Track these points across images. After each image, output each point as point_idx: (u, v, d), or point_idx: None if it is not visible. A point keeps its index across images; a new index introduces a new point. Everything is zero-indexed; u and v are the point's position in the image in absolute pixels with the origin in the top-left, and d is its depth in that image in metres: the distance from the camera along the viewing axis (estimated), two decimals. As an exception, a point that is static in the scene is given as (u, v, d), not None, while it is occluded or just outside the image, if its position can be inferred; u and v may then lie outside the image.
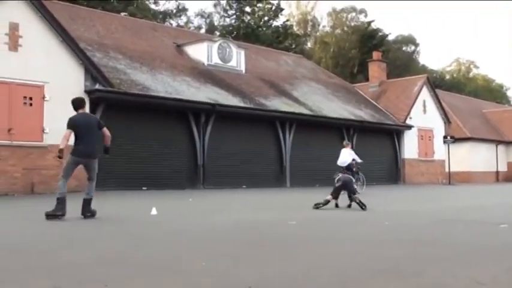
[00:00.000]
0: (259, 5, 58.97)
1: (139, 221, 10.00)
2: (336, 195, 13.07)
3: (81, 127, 10.26)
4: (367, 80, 43.43)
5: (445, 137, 37.28)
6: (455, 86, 75.57)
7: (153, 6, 53.66)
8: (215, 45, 29.24)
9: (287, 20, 63.21)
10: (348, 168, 19.84)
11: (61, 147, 9.86)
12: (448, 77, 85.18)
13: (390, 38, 71.87)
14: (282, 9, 60.97)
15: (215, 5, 60.68)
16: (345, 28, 67.97)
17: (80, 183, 19.56)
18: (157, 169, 22.49)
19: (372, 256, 6.28)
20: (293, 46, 58.71)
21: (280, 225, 9.36)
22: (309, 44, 69.50)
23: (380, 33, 68.20)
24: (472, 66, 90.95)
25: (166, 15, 56.07)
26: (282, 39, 57.22)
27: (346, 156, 20.95)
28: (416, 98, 36.53)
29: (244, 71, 30.20)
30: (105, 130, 10.39)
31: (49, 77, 19.06)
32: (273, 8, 59.46)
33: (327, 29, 69.93)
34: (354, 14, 69.03)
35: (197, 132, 23.76)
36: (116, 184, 20.74)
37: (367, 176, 29.94)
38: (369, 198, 15.80)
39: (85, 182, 10.33)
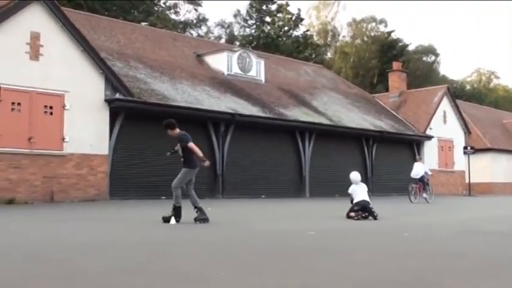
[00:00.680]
0: (279, 15, 59.12)
1: (158, 230, 10.00)
2: (350, 212, 13.05)
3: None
4: (387, 90, 43.30)
5: (465, 148, 37.04)
6: (476, 97, 75.02)
7: (173, 16, 53.98)
8: (235, 55, 29.31)
9: (307, 30, 63.24)
10: (420, 180, 23.75)
11: (201, 154, 11.40)
12: (468, 87, 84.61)
13: (410, 48, 71.63)
14: (302, 19, 61.07)
15: (235, 15, 60.96)
16: (365, 38, 67.84)
17: (99, 192, 19.70)
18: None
19: (392, 267, 6.22)
20: (313, 56, 58.70)
21: (299, 236, 9.32)
22: (328, 54, 69.45)
23: (400, 43, 67.97)
24: (492, 76, 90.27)
25: (186, 25, 56.37)
26: (302, 49, 57.26)
27: (419, 169, 24.07)
28: (437, 108, 36.35)
29: (264, 81, 30.23)
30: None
31: (69, 86, 19.22)
32: (293, 18, 59.56)
33: (347, 39, 69.88)
34: (374, 24, 68.92)
35: (216, 141, 23.80)
36: (135, 193, 20.81)
37: (386, 187, 29.75)
38: (388, 209, 15.69)
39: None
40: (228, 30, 61.34)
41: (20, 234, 9.19)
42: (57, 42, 19.14)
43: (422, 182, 23.94)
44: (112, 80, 20.25)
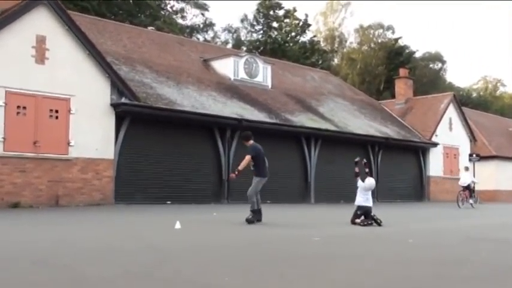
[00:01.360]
0: (287, 20, 59.16)
1: (163, 235, 10.02)
2: (354, 219, 13.10)
3: (262, 154, 13.03)
4: (393, 97, 43.28)
5: (470, 155, 36.98)
6: (482, 104, 74.84)
7: (180, 20, 54.08)
8: (242, 60, 29.35)
9: (314, 36, 63.27)
10: (467, 188, 26.72)
11: (240, 168, 12.58)
12: (474, 94, 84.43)
13: (417, 55, 71.54)
14: (309, 25, 61.11)
15: (242, 20, 61.01)
16: (372, 45, 67.81)
17: (105, 196, 19.74)
18: (181, 183, 22.54)
19: (396, 275, 6.22)
20: (320, 62, 58.72)
21: (304, 242, 9.32)
22: (335, 60, 69.45)
23: (407, 50, 67.92)
24: (499, 84, 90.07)
25: (193, 29, 56.46)
26: (309, 55, 57.28)
27: (467, 178, 26.96)
28: (443, 115, 36.33)
29: (270, 86, 30.25)
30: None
31: (75, 90, 19.24)
32: (300, 23, 59.61)
33: (354, 45, 69.85)
34: (381, 30, 68.86)
35: (222, 146, 23.81)
36: (141, 198, 20.85)
37: (391, 193, 29.72)
38: (393, 216, 15.68)
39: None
40: (234, 35, 61.42)
41: (26, 239, 9.22)
42: (63, 46, 19.16)
43: (469, 190, 26.93)
44: (118, 84, 20.29)
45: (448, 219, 16.79)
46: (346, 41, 70.78)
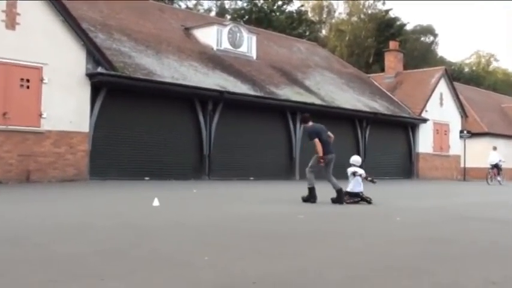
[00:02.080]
0: (273, -12, 58.81)
1: (141, 212, 9.98)
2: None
3: (323, 132, 13.06)
4: (382, 70, 43.30)
5: (461, 132, 37.18)
6: (474, 80, 75.17)
7: (160, -13, 53.56)
8: (225, 30, 29.16)
9: (302, 6, 63.00)
10: (496, 166, 30.32)
11: (321, 154, 12.63)
12: (466, 69, 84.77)
13: (408, 27, 71.54)
14: (296, -6, 60.78)
15: (226, -13, 60.55)
16: (362, 16, 67.63)
17: (79, 171, 19.62)
18: (160, 159, 22.46)
19: (383, 253, 6.23)
20: (307, 33, 58.52)
21: (288, 219, 9.33)
22: (323, 32, 69.25)
23: (398, 22, 67.85)
24: (492, 59, 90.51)
25: (174, -4, 55.95)
26: (296, 26, 57.03)
27: (495, 157, 30.64)
28: (433, 90, 36.41)
29: (255, 58, 30.12)
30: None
31: (48, 58, 18.90)
32: (287, -9, 59.26)
33: (343, 16, 69.63)
34: (371, 1, 68.61)
35: (203, 120, 23.71)
36: (117, 174, 20.73)
37: (380, 170, 29.86)
38: (380, 193, 15.74)
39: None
40: (218, 3, 60.89)
41: (-6, 213, 9.13)
42: (35, 11, 18.72)
43: (497, 168, 30.34)
44: (94, 53, 20.05)
45: (437, 197, 16.89)
46: (334, 12, 70.54)
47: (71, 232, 7.26)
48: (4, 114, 17.78)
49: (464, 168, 37.11)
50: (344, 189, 13.11)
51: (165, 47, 25.78)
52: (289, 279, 4.85)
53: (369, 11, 68.16)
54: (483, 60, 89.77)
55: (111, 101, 20.91)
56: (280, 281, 4.81)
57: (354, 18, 67.86)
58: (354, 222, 9.41)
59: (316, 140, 12.72)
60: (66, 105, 19.31)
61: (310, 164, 13.00)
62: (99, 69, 20.12)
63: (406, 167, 34.55)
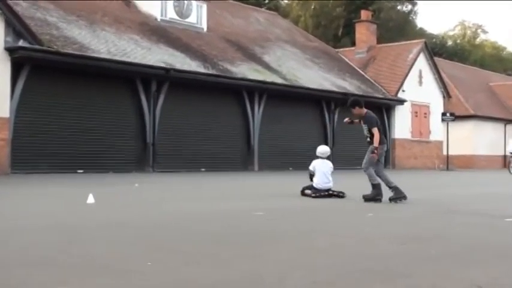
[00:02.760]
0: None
1: (72, 212, 9.89)
2: (306, 189, 13.19)
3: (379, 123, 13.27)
4: (353, 44, 43.57)
5: (443, 114, 37.63)
6: (459, 54, 76.16)
7: None
8: (170, -3, 29.01)
9: (259, -31, 62.88)
10: None
11: (377, 145, 12.63)
12: (450, 43, 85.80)
13: (383, -6, 71.98)
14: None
15: None
16: (329, -19, 67.84)
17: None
18: (95, 148, 22.30)
19: (353, 253, 6.28)
20: (266, 1, 58.49)
21: (244, 217, 9.34)
22: (284, -1, 69.34)
23: (370, -12, 68.24)
24: (479, 31, 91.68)
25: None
26: (253, -8, 57.00)
27: None
28: (411, 67, 36.79)
29: (205, 29, 30.04)
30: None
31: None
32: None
33: (307, -19, 69.76)
34: (339, -37, 68.90)
35: (147, 103, 23.59)
36: (48, 166, 20.54)
37: (351, 159, 30.11)
38: (351, 185, 15.86)
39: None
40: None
41: None
42: None
43: None
44: (14, 23, 19.72)
45: (415, 189, 17.08)
46: (298, -24, 70.61)
47: None
48: None
49: (448, 156, 37.58)
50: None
51: (100, 17, 25.53)
52: (247, 286, 4.86)
53: (338, -24, 68.36)
54: (469, 32, 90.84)
55: (37, 80, 20.65)
56: (235, 288, 4.82)
57: (321, -16, 68.02)
58: (321, 219, 9.47)
59: (376, 130, 12.82)
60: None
61: (365, 160, 12.98)
62: (21, 43, 19.83)
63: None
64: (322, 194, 12.91)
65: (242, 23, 34.96)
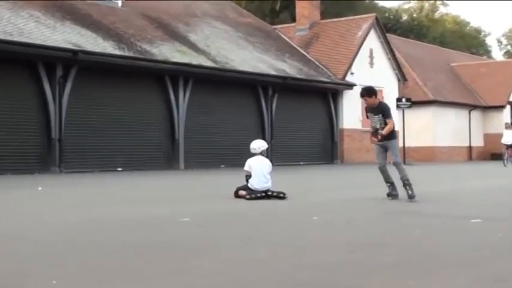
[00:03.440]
0: None
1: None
2: (239, 190, 13.20)
3: None
4: (293, 20, 43.74)
5: (398, 100, 37.93)
6: (415, 31, 77.17)
7: None
8: (77, -34, 28.73)
9: None
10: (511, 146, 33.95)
11: (384, 133, 13.04)
12: (405, 17, 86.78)
13: (327, -40, 72.42)
14: None
15: None
16: None
17: None
18: (-10, 145, 21.99)
19: (295, 264, 6.31)
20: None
21: (167, 224, 9.32)
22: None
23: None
24: (438, 3, 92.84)
25: None
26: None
27: (510, 136, 34.03)
28: (361, 46, 37.08)
29: (120, 4, 29.89)
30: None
31: None
32: None
33: None
34: None
35: (51, 91, 23.31)
36: None
37: (292, 153, 30.28)
38: (291, 185, 15.96)
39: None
40: None
41: None
42: None
43: None
44: None
45: (366, 187, 17.26)
46: None
47: None
48: None
49: (404, 147, 37.82)
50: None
51: (-7, -9, 25.14)
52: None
53: None
54: (427, 5, 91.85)
55: None
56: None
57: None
58: (258, 225, 9.49)
59: (392, 121, 13.29)
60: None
61: (395, 152, 13.51)
62: None
63: (327, 148, 35.16)
64: (258, 195, 12.90)
65: (163, -5, 34.86)
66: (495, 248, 7.32)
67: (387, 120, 13.02)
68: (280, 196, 13.03)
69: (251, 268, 6.19)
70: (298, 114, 33.01)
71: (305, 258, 6.69)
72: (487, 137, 49.36)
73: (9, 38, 22.07)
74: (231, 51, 31.61)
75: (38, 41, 22.88)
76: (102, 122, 25.10)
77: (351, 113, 35.89)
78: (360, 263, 6.37)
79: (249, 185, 13.10)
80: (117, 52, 25.24)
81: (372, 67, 37.66)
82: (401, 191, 12.86)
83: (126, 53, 25.54)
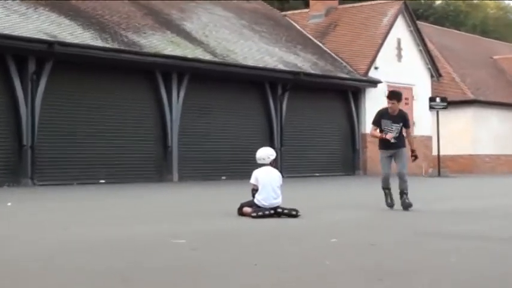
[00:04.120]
0: None
1: None
2: (244, 207, 13.21)
3: None
4: (307, 6, 43.70)
5: (432, 100, 37.77)
6: (452, 18, 76.95)
7: None
8: None
9: None
10: None
11: (414, 147, 14.69)
12: (439, 2, 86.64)
13: None
14: None
15: None
16: None
17: None
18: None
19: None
20: None
21: (159, 247, 9.36)
22: None
23: None
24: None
25: None
26: None
27: None
28: (386, 36, 36.94)
29: (102, -12, 29.93)
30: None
31: None
32: None
33: None
34: None
35: (22, 90, 23.36)
36: None
37: (305, 163, 30.25)
38: (305, 200, 15.98)
39: None
40: None
41: None
42: None
43: None
44: None
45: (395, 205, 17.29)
46: None
47: None
48: None
49: (439, 156, 37.64)
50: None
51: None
52: None
53: None
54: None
55: None
56: None
57: None
58: (266, 248, 9.50)
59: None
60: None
61: (405, 162, 14.98)
62: None
63: (347, 157, 35.04)
64: (266, 212, 12.89)
65: (154, -23, 34.93)
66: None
67: (408, 130, 14.17)
68: (292, 214, 12.97)
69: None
70: (313, 116, 32.93)
71: (321, 286, 6.73)
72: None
73: (-28, 27, 22.21)
74: (233, 43, 31.62)
75: (6, 30, 22.94)
76: (82, 126, 25.07)
77: (374, 114, 35.67)
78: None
79: (256, 200, 13.08)
80: (99, 44, 25.26)
81: (399, 61, 37.54)
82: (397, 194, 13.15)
83: (110, 45, 25.56)
